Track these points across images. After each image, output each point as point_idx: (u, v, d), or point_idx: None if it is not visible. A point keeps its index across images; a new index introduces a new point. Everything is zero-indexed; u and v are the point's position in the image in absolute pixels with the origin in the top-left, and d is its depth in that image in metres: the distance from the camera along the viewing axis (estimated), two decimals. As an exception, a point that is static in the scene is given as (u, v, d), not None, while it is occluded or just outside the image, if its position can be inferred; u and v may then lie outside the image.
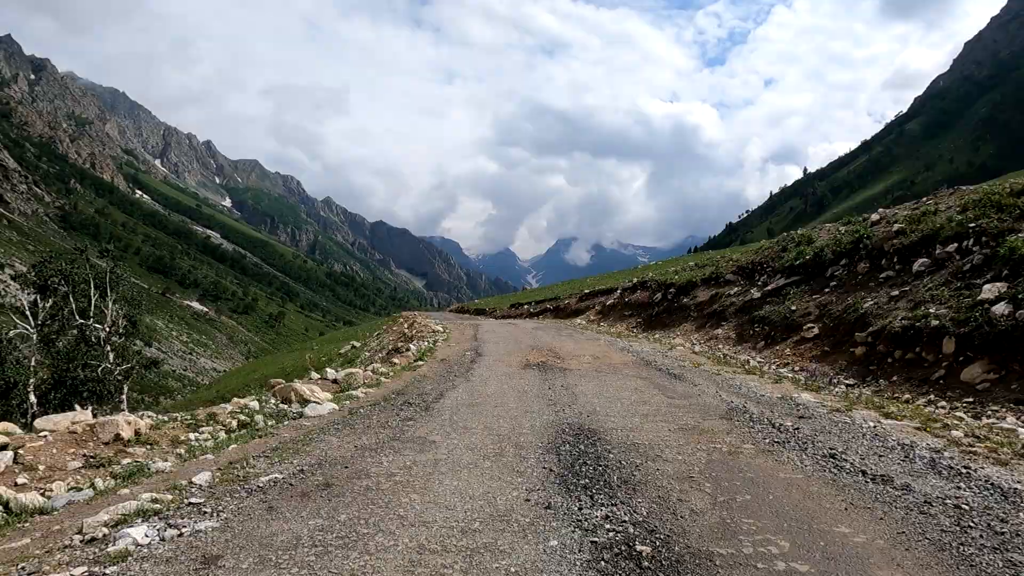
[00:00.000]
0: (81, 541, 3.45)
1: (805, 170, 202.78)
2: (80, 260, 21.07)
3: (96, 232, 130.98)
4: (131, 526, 3.55)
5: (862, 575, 2.96)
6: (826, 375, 9.18)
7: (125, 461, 5.29)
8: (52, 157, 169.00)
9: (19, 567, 3.16)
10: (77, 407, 9.34)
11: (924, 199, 13.49)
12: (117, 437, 5.68)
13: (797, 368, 10.07)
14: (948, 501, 3.88)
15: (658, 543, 3.31)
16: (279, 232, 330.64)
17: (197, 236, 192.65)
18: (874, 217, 13.30)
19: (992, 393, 6.84)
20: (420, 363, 11.38)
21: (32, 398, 16.93)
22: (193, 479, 4.45)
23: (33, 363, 18.01)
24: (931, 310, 8.50)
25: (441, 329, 18.94)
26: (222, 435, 6.13)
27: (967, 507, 3.77)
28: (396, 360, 12.15)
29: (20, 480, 4.81)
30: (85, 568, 3.07)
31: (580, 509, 3.82)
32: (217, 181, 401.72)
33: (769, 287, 14.23)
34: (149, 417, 6.51)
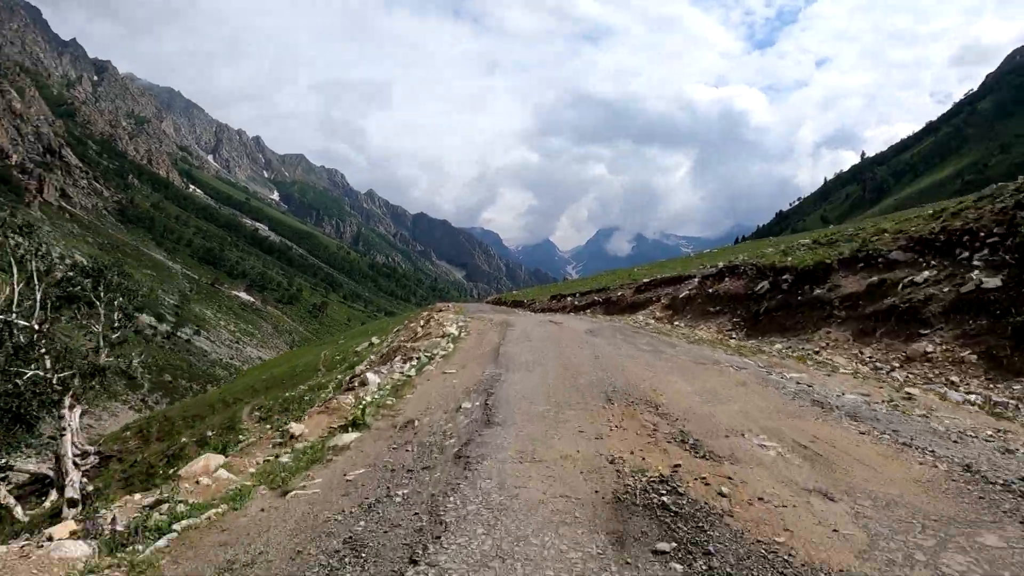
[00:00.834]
0: None
1: (863, 154, 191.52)
2: None
3: (151, 225, 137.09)
4: None
5: None
6: None
7: None
8: (112, 154, 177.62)
9: None
10: None
11: None
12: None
13: None
14: None
15: None
16: (324, 224, 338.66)
17: (246, 228, 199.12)
18: None
19: None
20: (352, 437, 5.92)
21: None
22: None
23: None
24: None
25: (456, 332, 14.31)
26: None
27: None
28: (305, 430, 6.71)
29: None
30: None
31: None
32: (265, 175, 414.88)
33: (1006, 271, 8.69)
34: None
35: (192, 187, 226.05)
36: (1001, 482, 4.19)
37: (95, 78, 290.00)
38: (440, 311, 23.12)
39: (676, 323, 16.29)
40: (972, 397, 6.96)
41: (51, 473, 16.51)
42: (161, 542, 4.08)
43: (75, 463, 15.41)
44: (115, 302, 18.24)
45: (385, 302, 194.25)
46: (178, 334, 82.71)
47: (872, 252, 11.64)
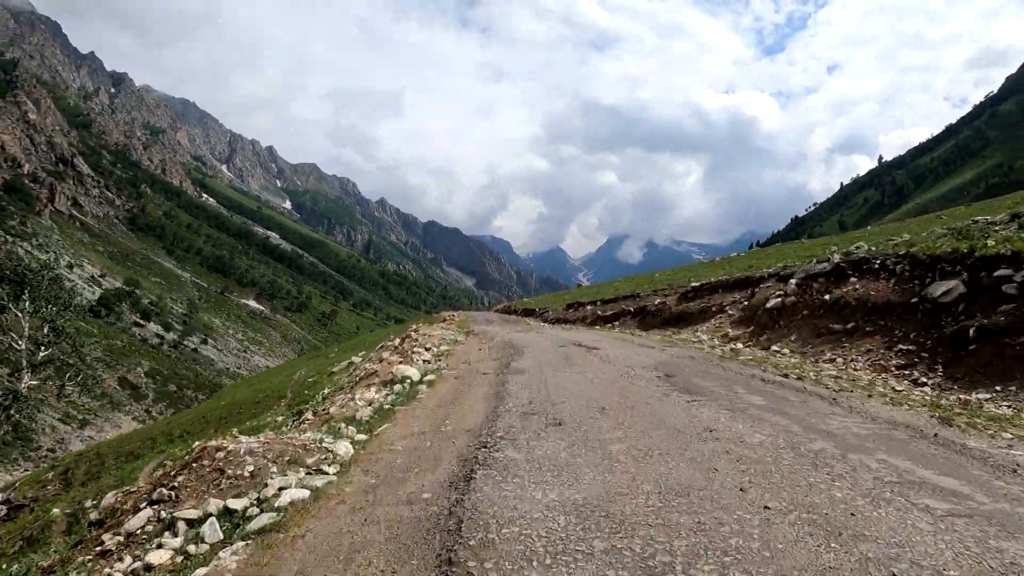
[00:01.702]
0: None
1: (880, 158, 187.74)
2: None
3: (162, 233, 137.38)
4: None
5: None
6: None
7: None
8: (126, 164, 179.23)
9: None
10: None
11: None
12: None
13: None
14: None
15: None
16: (335, 233, 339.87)
17: (257, 236, 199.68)
18: None
19: None
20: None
21: None
22: None
23: None
24: None
25: (445, 348, 11.67)
26: None
27: None
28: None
29: None
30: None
31: None
32: (278, 184, 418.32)
33: None
34: None
35: (205, 196, 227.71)
36: None
37: (112, 90, 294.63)
38: (442, 321, 21.12)
39: (771, 344, 11.73)
40: None
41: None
42: None
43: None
44: (40, 312, 16.00)
45: (395, 310, 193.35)
46: (185, 343, 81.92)
47: None
